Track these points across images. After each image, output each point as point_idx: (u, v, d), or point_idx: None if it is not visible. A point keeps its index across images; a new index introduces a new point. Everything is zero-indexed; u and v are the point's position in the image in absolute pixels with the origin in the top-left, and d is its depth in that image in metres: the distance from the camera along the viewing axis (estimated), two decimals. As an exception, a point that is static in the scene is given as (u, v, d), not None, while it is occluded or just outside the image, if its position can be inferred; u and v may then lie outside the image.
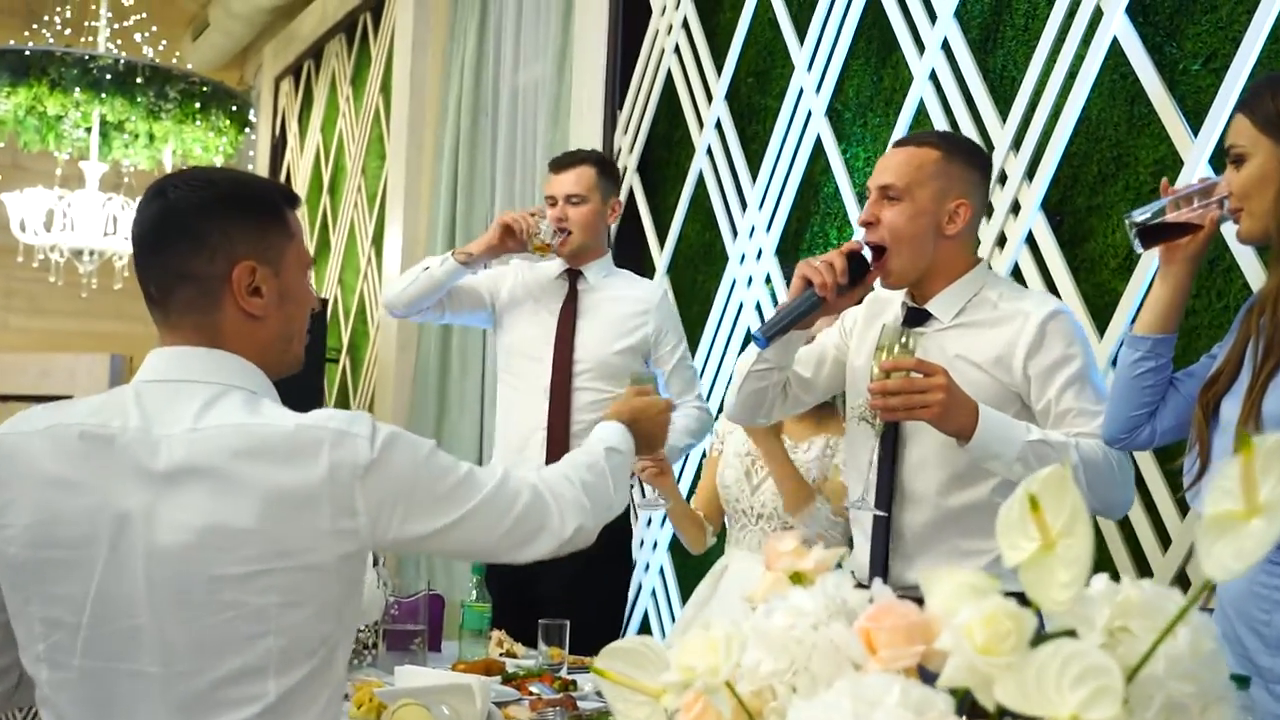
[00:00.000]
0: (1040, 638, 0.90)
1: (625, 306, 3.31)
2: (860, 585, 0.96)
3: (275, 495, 1.43)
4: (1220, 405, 1.88)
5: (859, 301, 2.38)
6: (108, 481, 1.44)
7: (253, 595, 1.43)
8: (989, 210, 3.11)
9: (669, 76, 4.36)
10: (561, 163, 3.34)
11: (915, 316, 2.30)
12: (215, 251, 1.52)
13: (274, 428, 1.45)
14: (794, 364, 2.42)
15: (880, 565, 2.26)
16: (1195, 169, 2.63)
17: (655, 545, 4.23)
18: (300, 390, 5.85)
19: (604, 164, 3.38)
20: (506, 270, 3.45)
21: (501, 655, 2.75)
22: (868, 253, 2.25)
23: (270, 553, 1.43)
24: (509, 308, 3.39)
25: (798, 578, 1.14)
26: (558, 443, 3.21)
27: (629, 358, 3.24)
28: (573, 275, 3.35)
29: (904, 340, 2.07)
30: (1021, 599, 0.84)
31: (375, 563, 2.65)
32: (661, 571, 4.22)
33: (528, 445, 3.26)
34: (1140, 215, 1.99)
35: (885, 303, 2.41)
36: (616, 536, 3.44)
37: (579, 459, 1.79)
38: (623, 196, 4.47)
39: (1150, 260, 2.70)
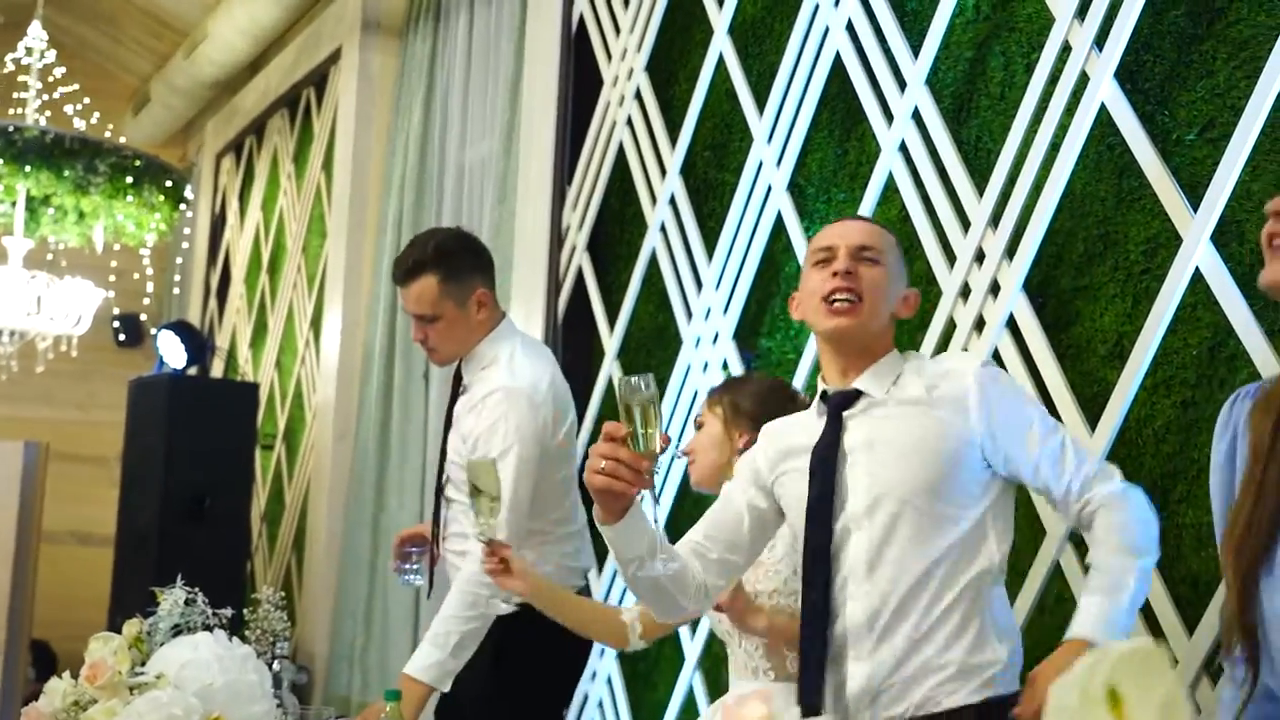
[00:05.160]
0: None
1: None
2: None
3: None
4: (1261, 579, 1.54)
5: None
6: None
7: None
8: (965, 292, 2.87)
9: (620, 150, 4.12)
10: (399, 277, 2.94)
11: (844, 400, 2.09)
12: None
13: None
14: (707, 534, 2.16)
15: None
16: (1194, 247, 2.39)
17: (603, 652, 3.89)
18: (231, 478, 5.56)
19: (446, 267, 2.89)
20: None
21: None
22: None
23: None
24: None
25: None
26: (433, 557, 3.00)
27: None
28: (458, 373, 3.01)
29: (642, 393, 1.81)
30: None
31: (278, 685, 2.32)
32: (609, 682, 3.90)
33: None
34: None
35: (781, 428, 2.21)
36: (557, 668, 3.02)
37: None
38: (571, 276, 4.22)
39: (1146, 347, 2.46)
